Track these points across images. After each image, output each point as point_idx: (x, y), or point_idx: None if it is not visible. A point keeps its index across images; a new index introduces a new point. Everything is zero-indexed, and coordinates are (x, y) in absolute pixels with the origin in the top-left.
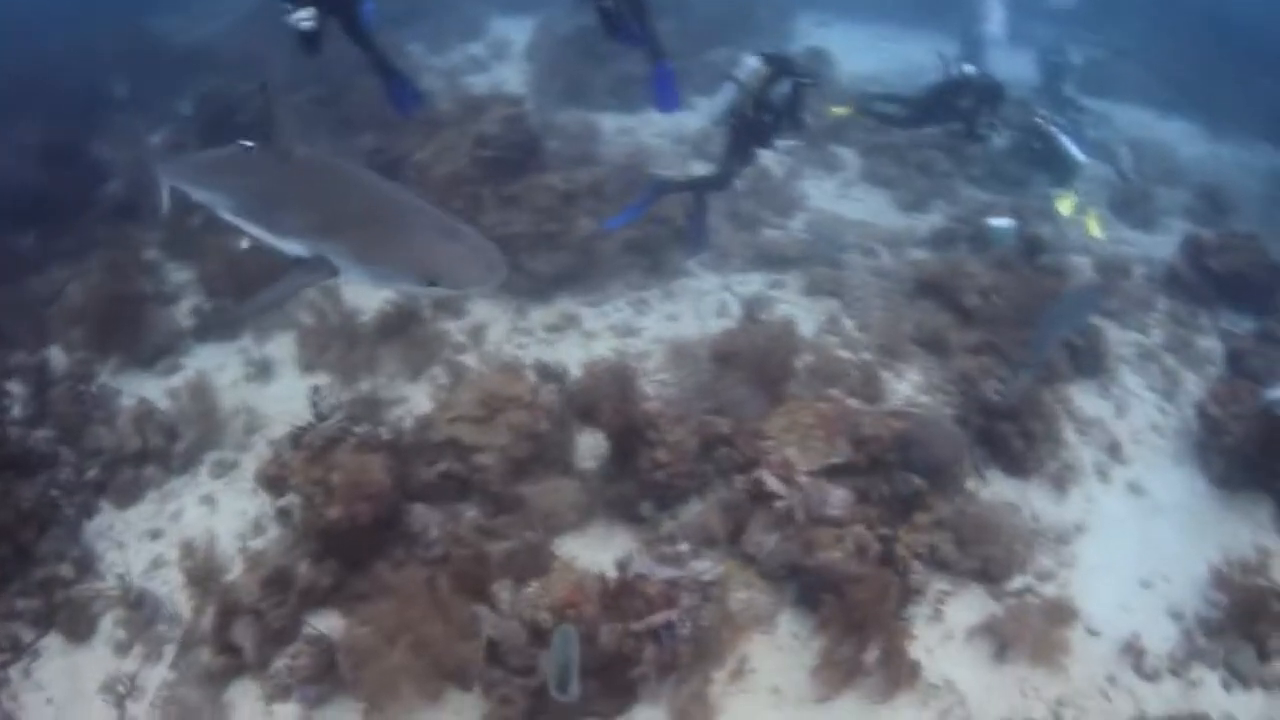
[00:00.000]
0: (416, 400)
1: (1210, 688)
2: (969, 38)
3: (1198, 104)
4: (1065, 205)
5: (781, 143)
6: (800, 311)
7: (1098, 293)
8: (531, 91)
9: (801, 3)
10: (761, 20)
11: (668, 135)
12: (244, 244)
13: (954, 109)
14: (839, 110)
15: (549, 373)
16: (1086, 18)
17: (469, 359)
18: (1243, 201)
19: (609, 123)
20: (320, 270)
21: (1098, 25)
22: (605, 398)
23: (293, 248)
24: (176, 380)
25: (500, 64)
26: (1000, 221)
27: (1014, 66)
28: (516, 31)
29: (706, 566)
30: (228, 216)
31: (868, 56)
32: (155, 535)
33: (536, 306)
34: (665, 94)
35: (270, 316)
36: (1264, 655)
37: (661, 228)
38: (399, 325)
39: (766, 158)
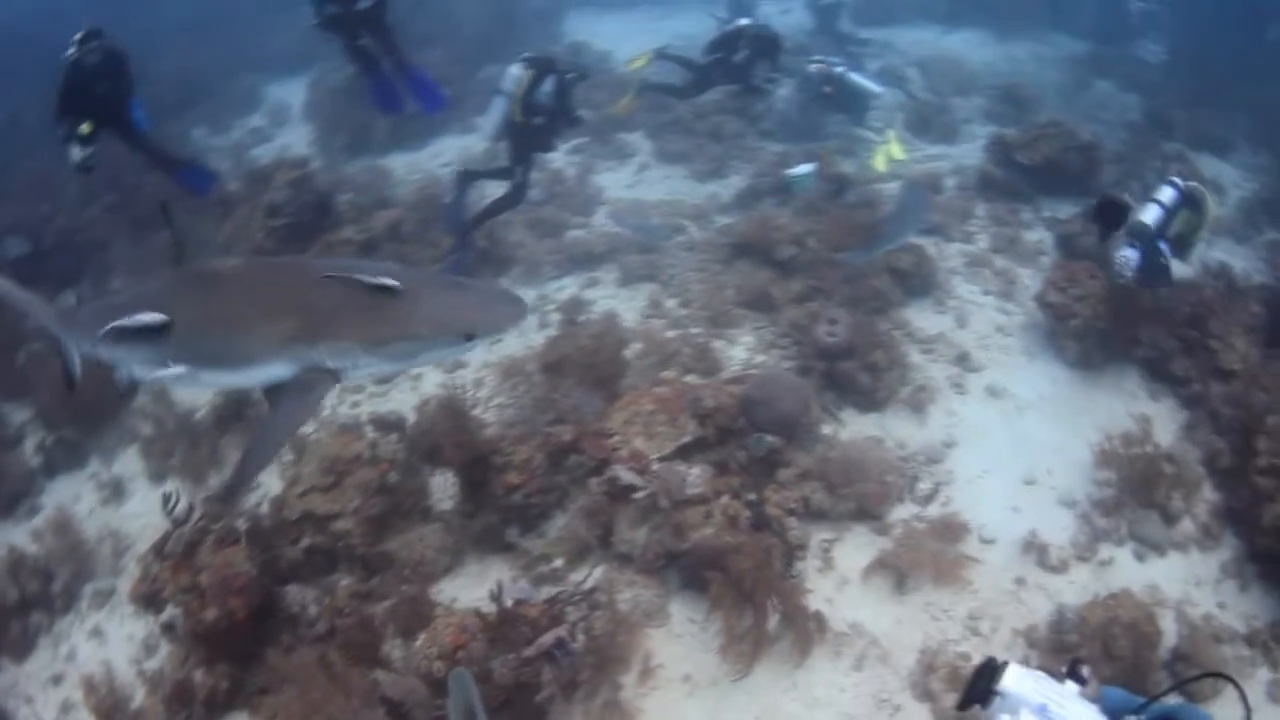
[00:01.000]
0: (268, 483)
1: (1124, 564)
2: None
3: (981, 9)
4: (880, 159)
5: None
6: (620, 303)
7: (923, 190)
8: (317, 149)
9: (569, 3)
10: (529, 29)
11: (456, 161)
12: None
13: (731, 66)
14: (621, 106)
15: (386, 424)
16: None
17: (307, 430)
18: (1042, 93)
19: (397, 163)
20: (318, 384)
21: None
22: (443, 435)
23: (273, 372)
24: (38, 521)
25: (283, 130)
26: (799, 169)
27: (788, 17)
28: (292, 94)
29: (585, 575)
30: (170, 372)
31: (642, 40)
32: (57, 681)
33: None
34: (427, 95)
35: (110, 434)
36: (1169, 518)
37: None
38: (235, 414)
39: (556, 159)
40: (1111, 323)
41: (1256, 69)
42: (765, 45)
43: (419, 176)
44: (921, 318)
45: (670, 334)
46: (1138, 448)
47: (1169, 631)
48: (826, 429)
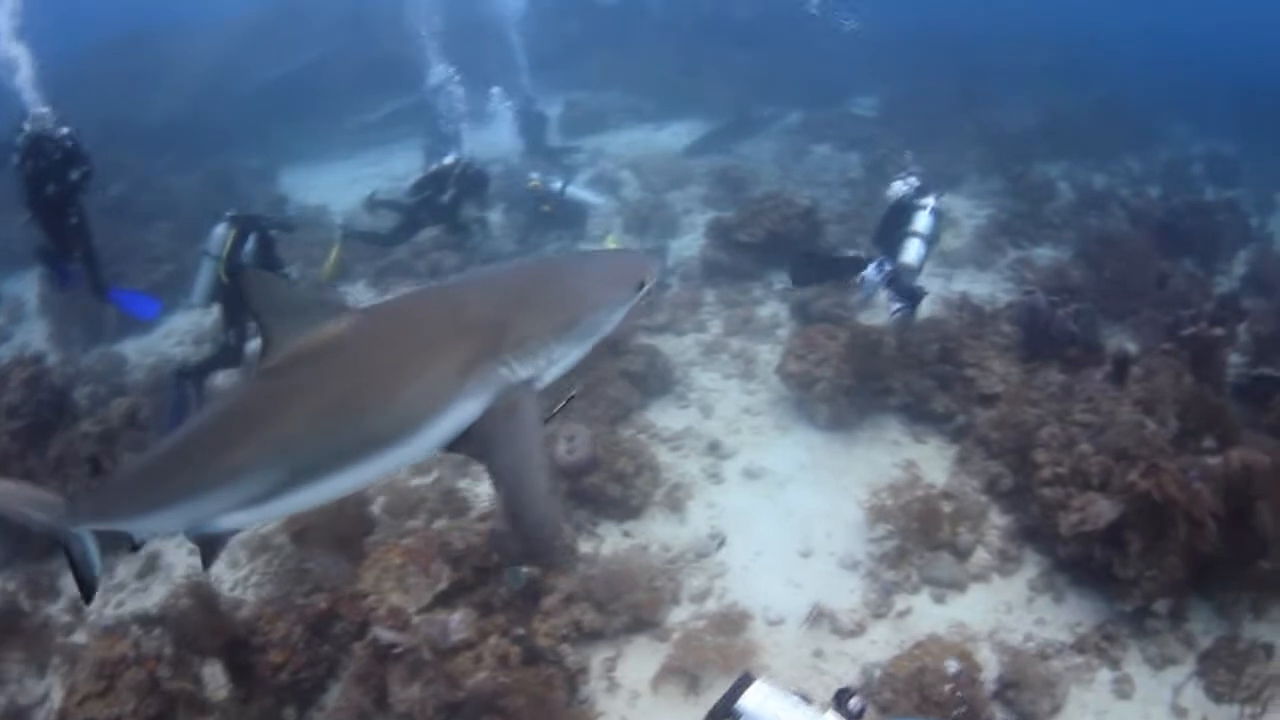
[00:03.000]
0: (54, 694)
1: (924, 610)
2: (441, 134)
3: (689, 101)
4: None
5: None
6: None
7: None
8: (55, 343)
9: (284, 158)
10: (248, 189)
11: (187, 335)
12: None
13: (438, 206)
14: (330, 265)
15: (149, 620)
16: (557, 60)
17: (80, 636)
18: (759, 169)
19: (130, 347)
20: (522, 402)
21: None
22: (198, 624)
23: (460, 416)
24: None
25: (20, 327)
26: None
27: (497, 136)
28: (27, 288)
29: None
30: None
31: (355, 188)
32: None
33: (118, 561)
34: (136, 304)
35: None
36: (961, 553)
37: None
38: (10, 624)
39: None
40: (858, 378)
41: (969, 97)
42: (471, 183)
43: (153, 359)
44: (665, 416)
45: (414, 480)
46: (908, 493)
47: (990, 662)
48: (586, 547)
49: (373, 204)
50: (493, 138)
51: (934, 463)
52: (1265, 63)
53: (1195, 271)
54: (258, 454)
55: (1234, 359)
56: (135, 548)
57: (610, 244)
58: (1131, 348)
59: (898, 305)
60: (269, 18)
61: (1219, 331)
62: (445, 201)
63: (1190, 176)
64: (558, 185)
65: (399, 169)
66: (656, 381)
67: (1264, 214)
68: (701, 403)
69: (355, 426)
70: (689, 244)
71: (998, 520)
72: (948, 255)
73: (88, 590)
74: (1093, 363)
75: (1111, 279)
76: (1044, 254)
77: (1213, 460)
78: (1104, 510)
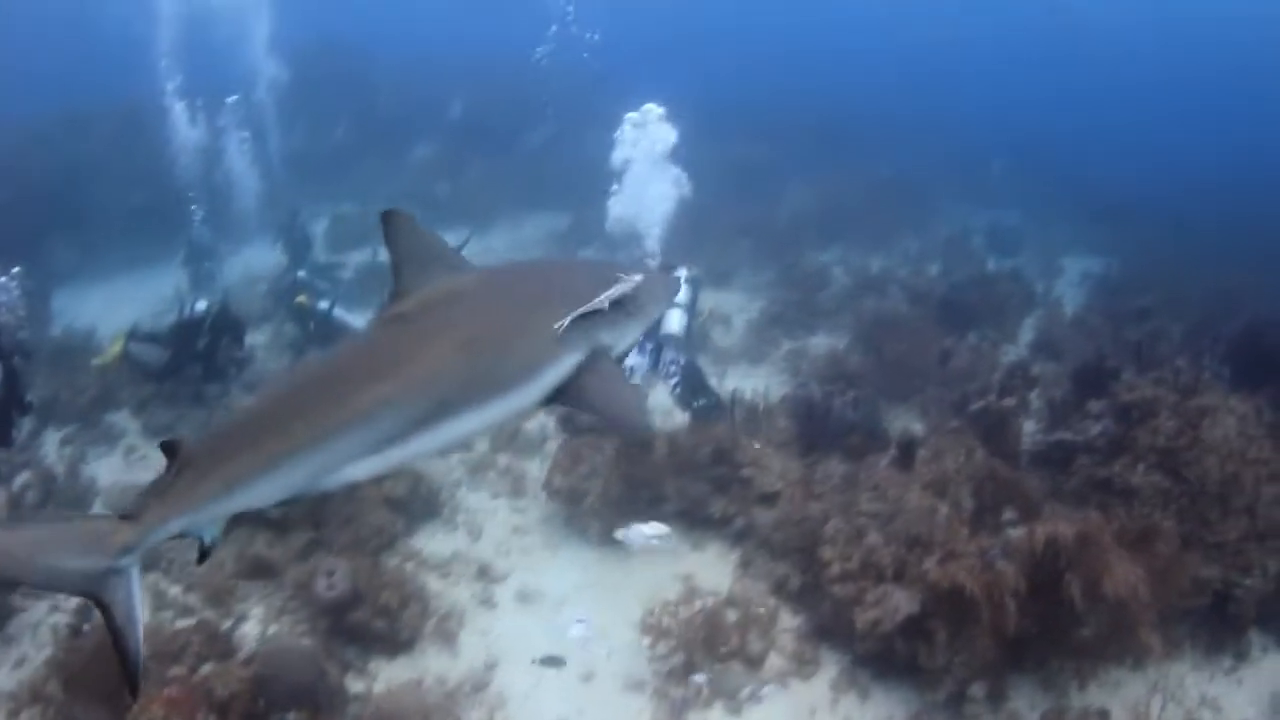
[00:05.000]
0: None
1: None
2: (197, 270)
3: (455, 209)
4: None
5: None
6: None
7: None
8: None
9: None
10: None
11: None
12: None
13: (196, 352)
14: (106, 356)
15: None
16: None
17: None
18: None
19: None
20: (604, 358)
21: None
22: None
23: (561, 369)
24: None
25: None
26: None
27: (267, 257)
28: None
29: None
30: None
31: (128, 308)
32: None
33: None
34: None
35: None
36: (752, 661)
37: None
38: None
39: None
40: (628, 488)
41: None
42: (226, 327)
43: None
44: (432, 542)
45: (180, 624)
46: (689, 606)
47: None
48: (357, 685)
49: (135, 338)
50: (258, 254)
51: (716, 569)
52: (1041, 129)
53: (981, 344)
54: (401, 388)
55: (1029, 427)
56: (203, 556)
57: None
58: (918, 428)
59: (675, 380)
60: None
61: (1009, 402)
62: (201, 349)
63: (972, 250)
64: (324, 305)
65: (169, 288)
66: (421, 505)
67: (1050, 278)
68: (470, 525)
69: (486, 367)
70: None
71: (790, 622)
72: (720, 353)
73: (133, 668)
74: (876, 449)
75: (892, 361)
76: (820, 342)
77: (1016, 532)
78: (901, 603)
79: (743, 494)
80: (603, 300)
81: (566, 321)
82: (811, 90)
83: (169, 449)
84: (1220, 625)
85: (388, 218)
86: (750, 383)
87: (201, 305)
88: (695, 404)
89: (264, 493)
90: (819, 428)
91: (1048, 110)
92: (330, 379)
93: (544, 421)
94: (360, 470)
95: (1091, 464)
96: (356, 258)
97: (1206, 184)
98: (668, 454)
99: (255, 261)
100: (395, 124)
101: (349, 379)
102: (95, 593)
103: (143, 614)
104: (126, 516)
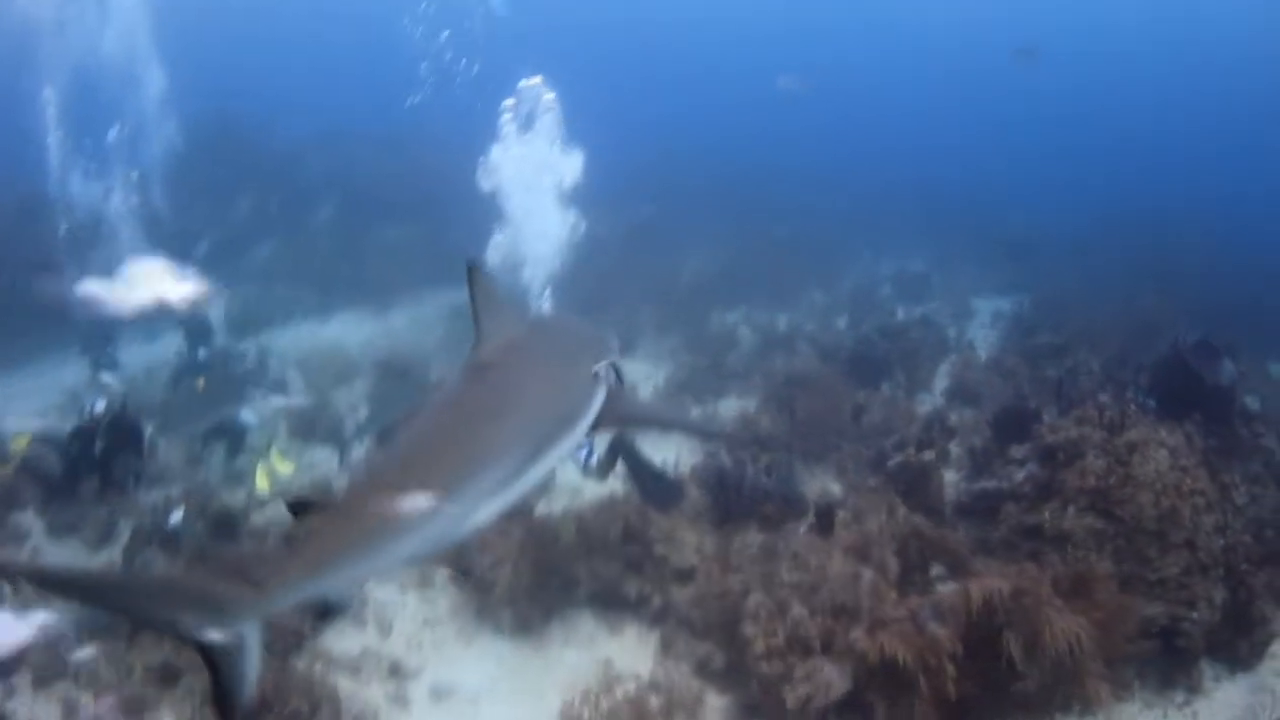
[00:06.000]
0: None
1: None
2: (98, 357)
3: (351, 287)
4: (263, 478)
5: None
6: None
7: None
8: None
9: None
10: None
11: None
12: None
13: (92, 459)
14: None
15: None
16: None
17: None
18: (428, 355)
19: None
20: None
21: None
22: None
23: (600, 397)
24: None
25: None
26: (176, 516)
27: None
28: None
29: None
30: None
31: (30, 400)
32: None
33: None
34: None
35: None
36: None
37: None
38: None
39: None
40: (539, 574)
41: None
42: (124, 435)
43: None
44: (341, 640)
45: None
46: (608, 695)
47: None
48: None
49: (35, 442)
50: (156, 348)
51: (635, 653)
52: (937, 172)
53: (895, 395)
54: (515, 430)
55: (952, 476)
56: (325, 614)
57: (275, 457)
58: (836, 488)
59: (585, 450)
60: None
61: (928, 455)
62: (98, 455)
63: (880, 299)
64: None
65: (71, 377)
66: (327, 604)
67: (961, 321)
68: (379, 619)
69: (563, 405)
70: (356, 448)
71: (716, 702)
72: None
73: None
74: (794, 515)
75: (806, 419)
76: (730, 405)
77: (946, 588)
78: (833, 679)
79: (658, 572)
80: (614, 349)
81: (599, 367)
82: (702, 149)
83: (299, 508)
84: (1169, 661)
85: (472, 271)
86: (660, 453)
87: (101, 406)
88: (650, 486)
89: (401, 552)
90: (733, 497)
91: (943, 153)
92: (449, 430)
93: None
94: (486, 513)
95: (1019, 511)
96: (257, 341)
97: (1108, 212)
98: (576, 535)
99: (155, 349)
100: (289, 202)
101: (468, 427)
102: (209, 652)
103: (253, 684)
104: (257, 583)
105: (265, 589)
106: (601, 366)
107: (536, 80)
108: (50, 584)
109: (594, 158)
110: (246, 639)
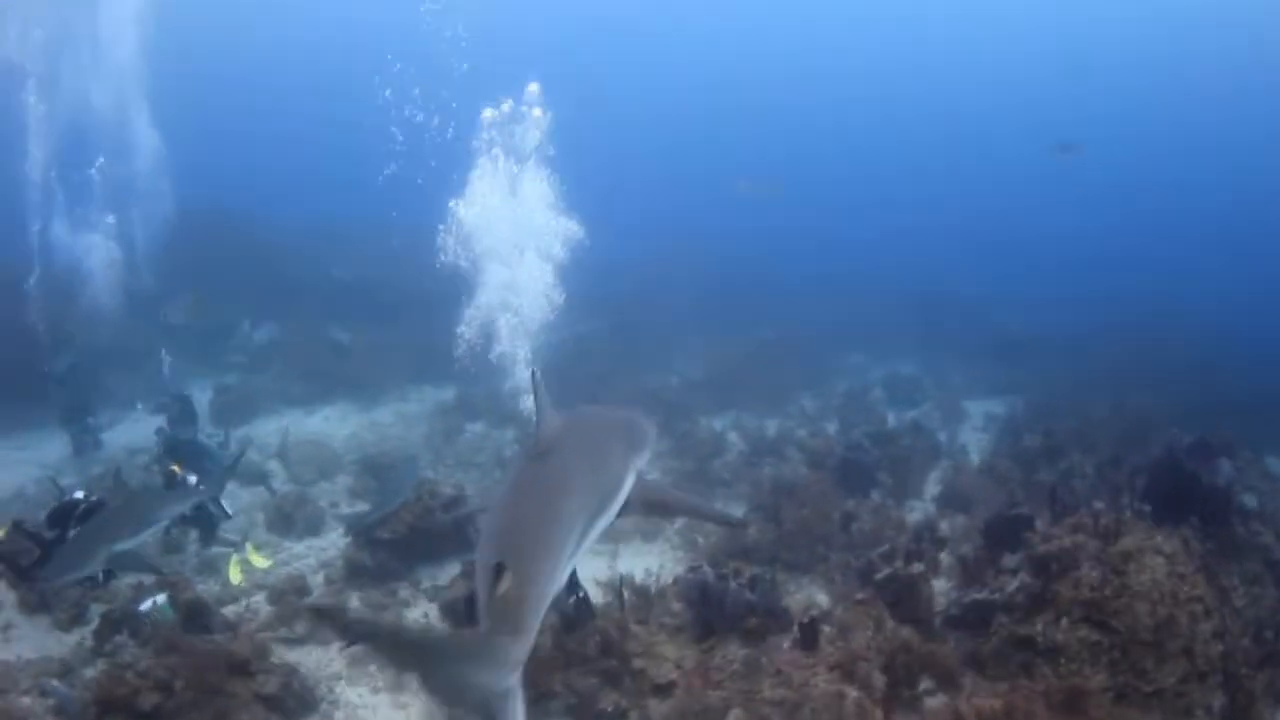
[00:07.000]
0: None
1: None
2: (80, 431)
3: (338, 382)
4: (236, 571)
5: None
6: None
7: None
8: None
9: None
10: None
11: None
12: None
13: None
14: None
15: None
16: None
17: None
18: (410, 453)
19: None
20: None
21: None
22: None
23: (629, 486)
24: None
25: None
26: (148, 603)
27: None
28: None
29: None
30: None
31: (7, 474)
32: None
33: None
34: None
35: None
36: None
37: None
38: None
39: None
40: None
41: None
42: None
43: None
44: None
45: None
46: None
47: None
48: None
49: (18, 531)
50: (141, 429)
51: None
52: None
53: (885, 504)
54: (581, 501)
55: (943, 585)
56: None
57: (251, 552)
58: (823, 599)
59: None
60: None
61: (917, 567)
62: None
63: (871, 403)
64: (193, 479)
65: (51, 454)
66: (295, 703)
67: (953, 425)
68: None
69: (605, 484)
70: (334, 542)
71: None
72: (611, 531)
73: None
74: (778, 629)
75: (793, 529)
76: None
77: (936, 702)
78: None
79: (636, 686)
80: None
81: (631, 455)
82: (689, 253)
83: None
84: None
85: (535, 377)
86: (643, 561)
87: (79, 495)
88: (569, 599)
89: (556, 587)
90: (715, 610)
91: (933, 252)
92: (542, 498)
93: (426, 609)
94: (571, 565)
95: (1011, 623)
96: (241, 431)
97: (1101, 313)
98: (552, 647)
99: (137, 431)
100: (283, 294)
101: (556, 495)
102: (488, 707)
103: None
104: (512, 631)
105: (522, 635)
106: (637, 456)
107: None
108: (362, 635)
109: (577, 255)
110: (518, 688)
